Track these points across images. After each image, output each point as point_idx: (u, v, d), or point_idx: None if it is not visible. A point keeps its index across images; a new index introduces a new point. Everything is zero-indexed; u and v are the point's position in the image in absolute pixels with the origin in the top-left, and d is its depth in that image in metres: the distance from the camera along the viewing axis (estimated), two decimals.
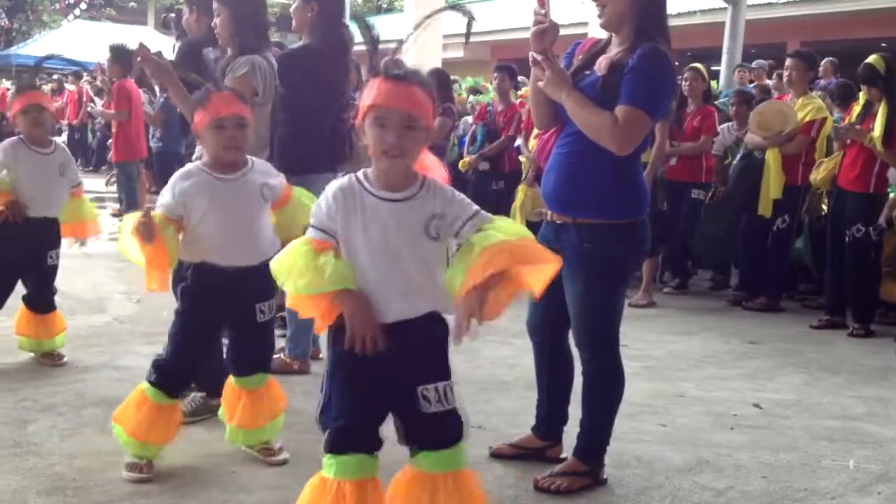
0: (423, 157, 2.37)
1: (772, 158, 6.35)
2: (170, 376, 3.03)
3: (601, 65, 2.93)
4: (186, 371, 3.12)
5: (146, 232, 2.82)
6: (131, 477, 2.94)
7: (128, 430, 2.97)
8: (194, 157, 3.81)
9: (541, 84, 2.97)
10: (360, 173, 2.35)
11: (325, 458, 2.31)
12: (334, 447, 2.30)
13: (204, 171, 3.01)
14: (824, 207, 6.55)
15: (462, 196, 2.38)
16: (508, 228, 2.29)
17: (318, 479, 2.32)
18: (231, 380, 3.19)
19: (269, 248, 3.01)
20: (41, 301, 4.24)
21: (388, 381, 2.34)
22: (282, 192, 3.14)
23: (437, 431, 2.35)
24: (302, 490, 2.34)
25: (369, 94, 2.27)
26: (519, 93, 8.30)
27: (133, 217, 2.87)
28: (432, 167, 2.42)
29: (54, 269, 4.29)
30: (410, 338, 2.33)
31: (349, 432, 2.31)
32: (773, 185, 6.33)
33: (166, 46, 4.68)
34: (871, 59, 5.87)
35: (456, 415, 2.38)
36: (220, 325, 3.14)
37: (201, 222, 2.96)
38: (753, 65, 10.45)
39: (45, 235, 4.19)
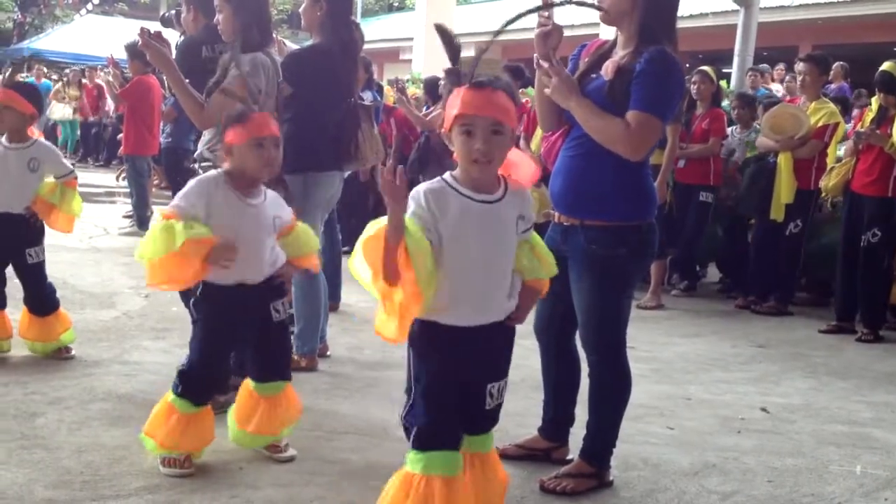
0: (509, 153, 2.42)
1: (784, 163, 6.33)
2: (195, 384, 3.01)
3: (608, 69, 2.92)
4: (211, 377, 3.10)
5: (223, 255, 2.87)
6: (171, 472, 2.94)
7: (158, 442, 2.97)
8: (198, 150, 3.83)
9: (547, 91, 2.97)
10: (447, 177, 2.36)
11: (411, 455, 2.35)
12: (423, 444, 2.34)
13: (229, 188, 2.98)
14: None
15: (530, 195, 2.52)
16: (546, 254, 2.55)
17: (402, 475, 2.35)
18: (249, 384, 3.17)
19: (276, 263, 3.10)
20: (38, 302, 4.20)
21: (468, 378, 2.42)
22: (288, 223, 3.18)
23: (486, 423, 2.52)
24: (387, 489, 2.37)
25: (455, 104, 2.30)
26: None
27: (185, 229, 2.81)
28: (519, 162, 2.47)
29: (39, 266, 4.22)
30: (500, 336, 2.46)
31: (437, 429, 2.36)
32: (784, 189, 6.31)
33: (174, 41, 4.68)
34: (887, 65, 5.83)
35: (500, 407, 2.53)
36: (239, 330, 3.09)
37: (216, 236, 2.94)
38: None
39: (15, 234, 4.12)
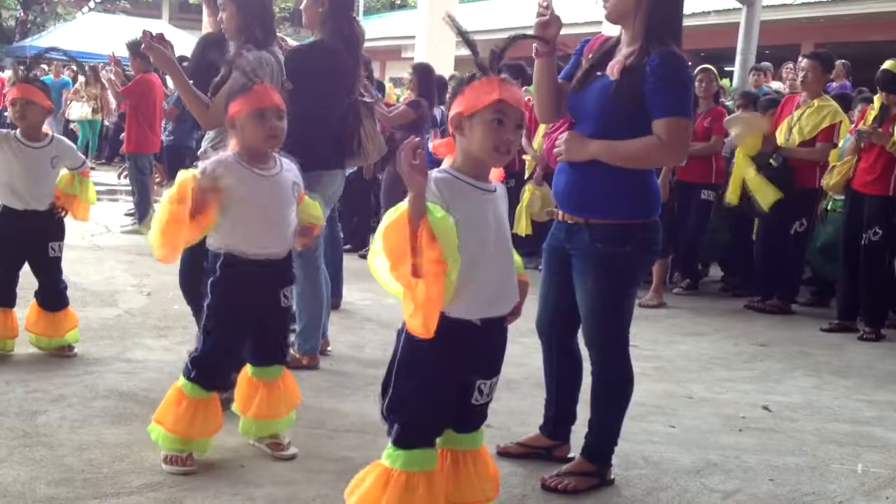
0: None
1: (739, 155, 6.50)
2: (208, 370, 3.03)
3: (613, 69, 2.92)
4: (224, 363, 3.12)
5: (213, 184, 2.78)
6: (173, 470, 2.94)
7: (168, 428, 2.97)
8: (202, 149, 3.83)
9: (561, 158, 3.00)
10: (447, 169, 2.35)
11: (391, 450, 2.33)
12: (407, 442, 2.32)
13: (242, 164, 2.99)
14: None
15: None
16: None
17: (381, 471, 2.32)
18: (248, 371, 3.19)
19: (292, 239, 3.14)
20: (51, 297, 4.23)
21: (464, 376, 2.39)
22: (302, 190, 3.20)
23: (474, 420, 2.48)
24: (364, 482, 2.35)
25: (489, 91, 2.28)
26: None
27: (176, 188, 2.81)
28: None
29: (57, 261, 4.27)
30: (501, 332, 2.45)
31: (426, 429, 2.35)
32: (750, 182, 6.41)
33: (180, 40, 4.70)
34: (889, 64, 5.82)
35: (489, 404, 2.50)
36: (250, 314, 3.10)
37: (237, 214, 2.95)
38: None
39: (40, 228, 4.17)
